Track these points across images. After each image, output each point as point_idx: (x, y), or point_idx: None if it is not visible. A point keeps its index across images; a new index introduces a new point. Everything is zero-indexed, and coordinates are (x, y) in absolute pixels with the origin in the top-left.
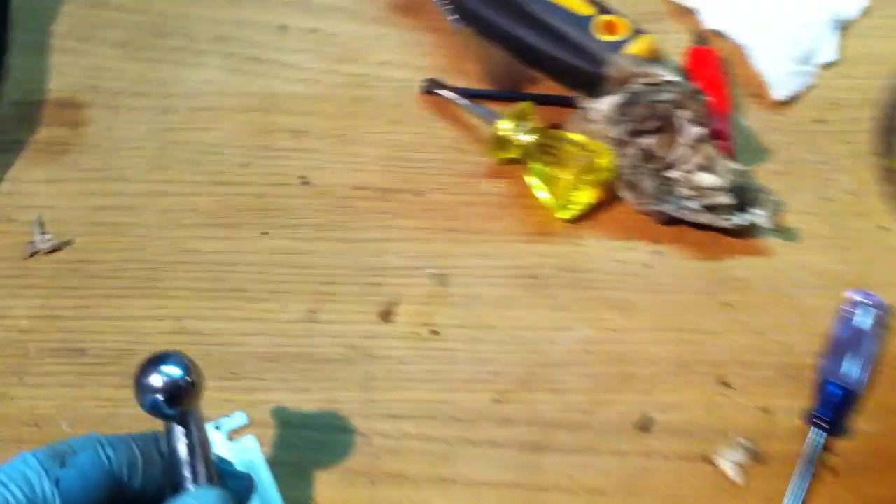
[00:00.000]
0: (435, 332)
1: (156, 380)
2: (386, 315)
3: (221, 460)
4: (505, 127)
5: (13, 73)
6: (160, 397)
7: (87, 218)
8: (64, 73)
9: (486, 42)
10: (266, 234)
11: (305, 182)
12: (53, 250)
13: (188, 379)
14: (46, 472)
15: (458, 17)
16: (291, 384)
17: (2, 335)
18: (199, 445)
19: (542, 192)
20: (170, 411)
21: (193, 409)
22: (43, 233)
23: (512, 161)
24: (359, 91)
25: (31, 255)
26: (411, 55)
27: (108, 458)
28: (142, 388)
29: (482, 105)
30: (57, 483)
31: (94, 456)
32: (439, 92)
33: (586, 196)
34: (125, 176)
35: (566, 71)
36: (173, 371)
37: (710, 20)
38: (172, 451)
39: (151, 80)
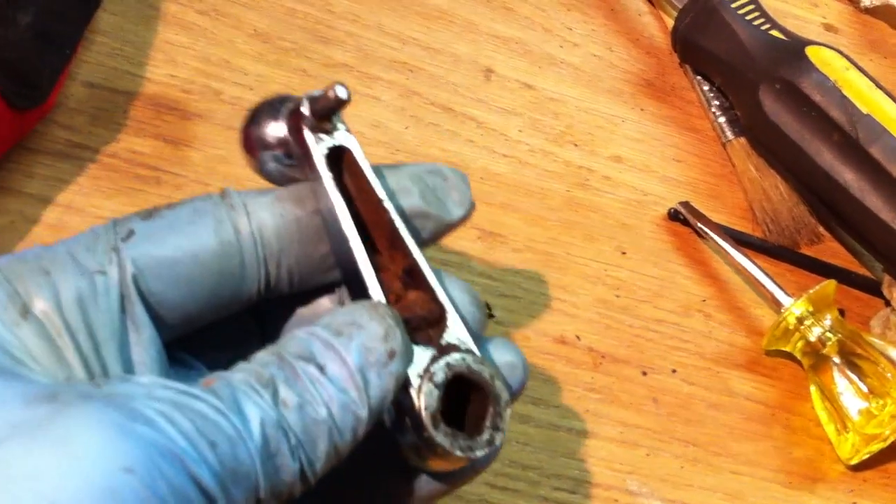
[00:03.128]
0: None
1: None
2: None
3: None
4: (796, 313)
5: (98, 38)
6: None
7: None
8: (174, 59)
9: (765, 165)
10: None
11: (492, 315)
12: None
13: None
14: (116, 224)
15: (731, 120)
16: None
17: None
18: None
19: (823, 416)
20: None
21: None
22: None
23: (781, 353)
24: (579, 192)
25: None
26: (656, 158)
27: (235, 222)
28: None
29: (751, 258)
30: (128, 236)
31: (204, 214)
32: (691, 224)
33: (885, 434)
34: None
35: (888, 242)
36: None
37: None
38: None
39: None
